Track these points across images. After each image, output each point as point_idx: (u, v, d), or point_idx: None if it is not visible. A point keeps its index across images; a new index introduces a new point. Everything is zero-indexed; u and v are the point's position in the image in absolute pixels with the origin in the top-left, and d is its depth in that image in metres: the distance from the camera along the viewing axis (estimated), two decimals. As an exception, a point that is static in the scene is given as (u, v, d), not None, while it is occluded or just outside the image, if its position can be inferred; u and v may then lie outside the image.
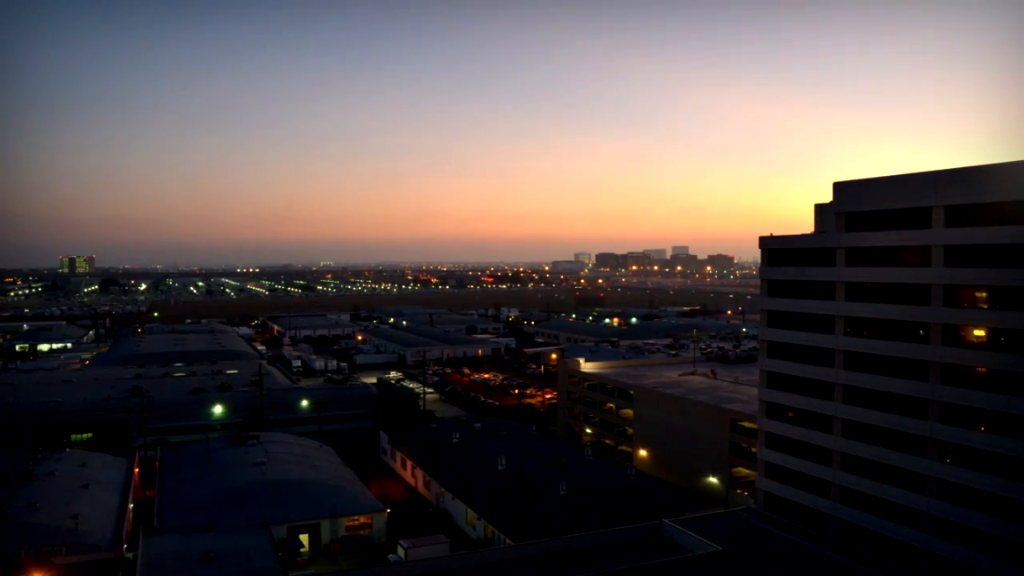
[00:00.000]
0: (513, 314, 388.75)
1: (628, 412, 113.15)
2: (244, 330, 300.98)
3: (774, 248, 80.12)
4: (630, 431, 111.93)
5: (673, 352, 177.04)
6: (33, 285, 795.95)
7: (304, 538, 79.10)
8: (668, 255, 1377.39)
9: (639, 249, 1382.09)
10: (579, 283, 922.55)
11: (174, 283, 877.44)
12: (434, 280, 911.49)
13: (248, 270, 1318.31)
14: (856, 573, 62.61)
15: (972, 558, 60.82)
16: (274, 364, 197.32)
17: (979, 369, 61.60)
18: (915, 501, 65.29)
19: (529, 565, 62.75)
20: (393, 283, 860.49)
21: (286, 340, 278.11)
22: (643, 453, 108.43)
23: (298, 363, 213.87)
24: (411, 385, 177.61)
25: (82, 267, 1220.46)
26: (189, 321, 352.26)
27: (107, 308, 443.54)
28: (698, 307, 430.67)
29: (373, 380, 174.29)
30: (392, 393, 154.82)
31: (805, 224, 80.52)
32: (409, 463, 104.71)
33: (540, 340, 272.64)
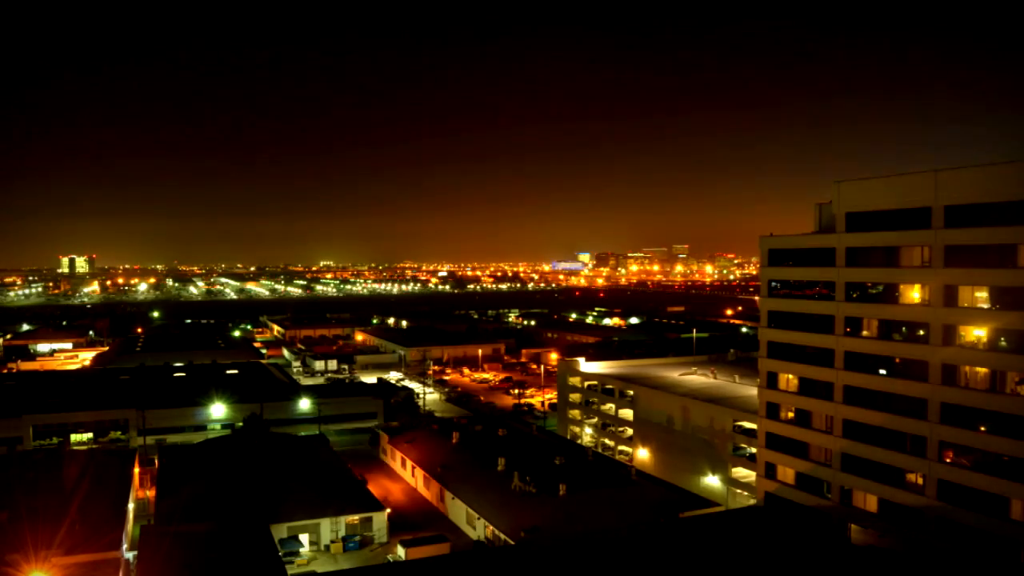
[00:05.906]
0: (513, 314, 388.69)
1: (628, 412, 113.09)
2: (244, 330, 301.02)
3: (774, 247, 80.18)
4: (630, 431, 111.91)
5: (673, 352, 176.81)
6: (33, 285, 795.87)
7: (304, 538, 79.14)
8: (668, 255, 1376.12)
9: (639, 249, 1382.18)
10: (579, 283, 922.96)
11: (174, 283, 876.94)
12: (434, 280, 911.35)
13: (248, 270, 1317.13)
14: (857, 571, 62.59)
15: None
16: (274, 364, 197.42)
17: (979, 369, 61.67)
18: (915, 502, 65.32)
19: (529, 565, 62.73)
20: (393, 283, 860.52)
21: (286, 340, 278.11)
22: (643, 453, 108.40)
23: (298, 363, 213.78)
24: (411, 385, 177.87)
25: (82, 267, 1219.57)
26: (189, 321, 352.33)
27: (107, 308, 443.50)
28: (697, 306, 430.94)
29: (373, 380, 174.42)
30: (392, 393, 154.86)
31: (805, 224, 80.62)
32: (409, 463, 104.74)
33: (540, 340, 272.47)
